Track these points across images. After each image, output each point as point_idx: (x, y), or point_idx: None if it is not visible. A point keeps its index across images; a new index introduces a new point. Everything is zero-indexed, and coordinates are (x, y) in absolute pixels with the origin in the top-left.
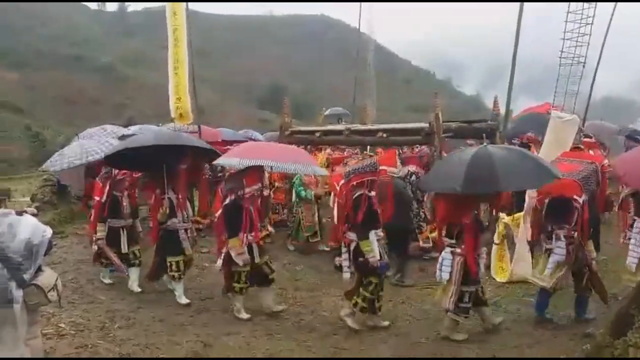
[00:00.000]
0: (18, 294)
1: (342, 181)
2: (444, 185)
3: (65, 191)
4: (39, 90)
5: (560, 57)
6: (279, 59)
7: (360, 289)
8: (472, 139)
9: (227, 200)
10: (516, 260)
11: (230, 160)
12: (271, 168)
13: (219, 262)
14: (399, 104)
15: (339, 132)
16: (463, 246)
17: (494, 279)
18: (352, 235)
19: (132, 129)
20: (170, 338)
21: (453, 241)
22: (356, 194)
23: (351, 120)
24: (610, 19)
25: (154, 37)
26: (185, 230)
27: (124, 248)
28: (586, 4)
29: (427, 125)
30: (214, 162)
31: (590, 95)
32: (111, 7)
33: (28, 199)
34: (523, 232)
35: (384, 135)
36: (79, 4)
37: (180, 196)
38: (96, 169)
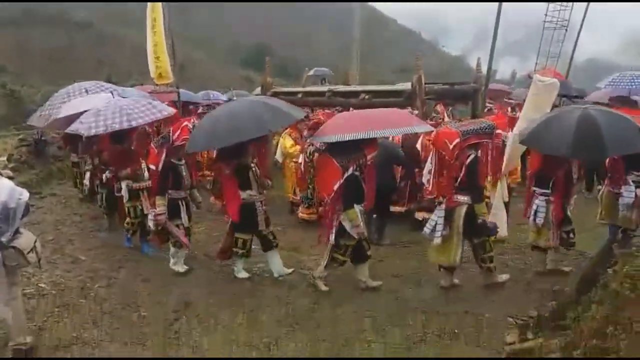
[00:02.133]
0: None
1: (457, 140)
2: (551, 146)
3: (43, 151)
4: (19, 47)
5: (544, 21)
6: (264, 17)
7: (482, 252)
8: (454, 100)
9: (350, 171)
10: (492, 219)
11: (332, 136)
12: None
13: (332, 236)
14: (385, 64)
15: (322, 94)
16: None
17: None
18: (463, 198)
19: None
20: (152, 297)
21: (548, 191)
22: (472, 156)
23: (335, 81)
24: None
25: None
26: (261, 202)
27: (186, 222)
28: None
29: (410, 87)
30: (314, 139)
31: (572, 57)
32: None
33: (4, 158)
34: (499, 193)
35: (367, 97)
36: None
37: (258, 166)
38: (129, 134)
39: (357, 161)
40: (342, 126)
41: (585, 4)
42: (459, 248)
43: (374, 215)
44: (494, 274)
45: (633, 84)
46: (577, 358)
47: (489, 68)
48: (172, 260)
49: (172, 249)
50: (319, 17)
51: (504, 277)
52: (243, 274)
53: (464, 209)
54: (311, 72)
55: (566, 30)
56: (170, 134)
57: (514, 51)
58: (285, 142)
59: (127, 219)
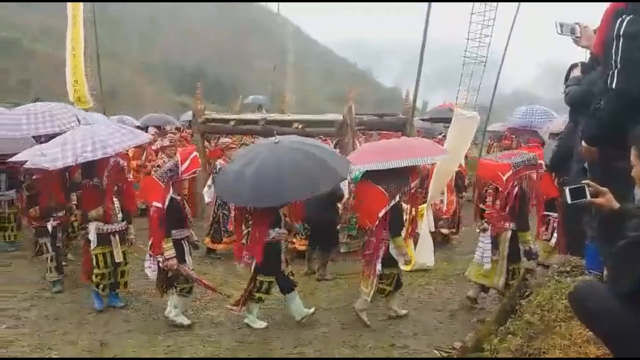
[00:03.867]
0: None
1: (510, 172)
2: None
3: None
4: None
5: (464, 57)
6: (199, 40)
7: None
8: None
9: (397, 198)
10: (419, 249)
11: (374, 164)
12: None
13: (379, 265)
14: (320, 92)
15: (255, 122)
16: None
17: None
18: (510, 225)
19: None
20: (65, 337)
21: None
22: (517, 186)
23: (270, 108)
24: (515, 18)
25: (60, 10)
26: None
27: (191, 264)
28: (488, 6)
29: (341, 117)
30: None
31: (494, 90)
32: None
33: None
34: (426, 222)
35: (300, 126)
36: None
37: None
38: (100, 166)
39: (402, 188)
40: (381, 154)
41: (506, 40)
42: (503, 271)
43: (319, 250)
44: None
45: (534, 117)
46: None
47: (414, 99)
48: (173, 312)
49: (176, 298)
50: (245, 35)
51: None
52: (260, 324)
53: (508, 235)
54: (249, 100)
55: (484, 65)
56: (179, 165)
57: (445, 82)
58: None
59: (96, 271)
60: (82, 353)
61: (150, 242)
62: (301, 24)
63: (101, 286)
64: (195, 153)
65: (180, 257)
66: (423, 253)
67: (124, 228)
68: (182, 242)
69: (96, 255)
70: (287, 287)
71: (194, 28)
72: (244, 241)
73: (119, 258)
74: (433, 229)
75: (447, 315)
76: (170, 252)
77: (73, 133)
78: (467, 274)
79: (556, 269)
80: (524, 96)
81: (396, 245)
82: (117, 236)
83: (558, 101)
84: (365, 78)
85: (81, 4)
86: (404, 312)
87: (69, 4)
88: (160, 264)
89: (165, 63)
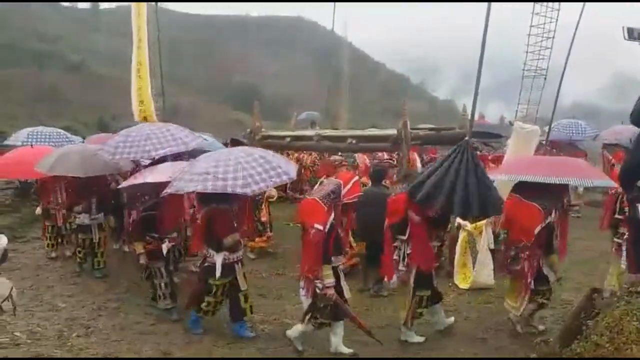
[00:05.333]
0: None
1: None
2: None
3: (27, 194)
4: (4, 86)
5: (523, 70)
6: (254, 60)
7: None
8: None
9: (553, 216)
10: (478, 267)
11: (540, 177)
12: None
13: (532, 282)
14: (373, 107)
15: (309, 138)
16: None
17: (456, 285)
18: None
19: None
20: (130, 347)
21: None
22: None
23: (323, 124)
24: (577, 27)
25: (128, 36)
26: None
27: (348, 293)
28: (547, 18)
29: (395, 132)
30: (510, 177)
31: (555, 104)
32: (83, 4)
33: None
34: (485, 240)
35: (353, 141)
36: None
37: None
38: None
39: (556, 205)
40: (541, 168)
41: (567, 52)
42: None
43: (373, 267)
44: None
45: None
46: None
47: (472, 113)
48: (293, 332)
49: (306, 326)
50: (299, 53)
51: None
52: (418, 338)
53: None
54: (302, 116)
55: (545, 78)
56: (341, 188)
57: (503, 94)
58: None
59: (208, 299)
60: None
61: (304, 267)
62: (354, 40)
63: (210, 313)
64: (356, 178)
65: (337, 286)
66: (482, 272)
67: (242, 256)
68: (338, 269)
69: (216, 286)
70: (437, 298)
71: (248, 51)
72: (395, 257)
73: (244, 286)
74: (492, 247)
75: (508, 335)
76: (330, 280)
77: (235, 155)
78: (607, 283)
79: (626, 289)
80: (585, 108)
81: (552, 263)
82: (240, 264)
83: (622, 112)
84: (419, 92)
85: (146, 28)
86: (542, 327)
87: (134, 28)
88: (319, 291)
89: (222, 82)
